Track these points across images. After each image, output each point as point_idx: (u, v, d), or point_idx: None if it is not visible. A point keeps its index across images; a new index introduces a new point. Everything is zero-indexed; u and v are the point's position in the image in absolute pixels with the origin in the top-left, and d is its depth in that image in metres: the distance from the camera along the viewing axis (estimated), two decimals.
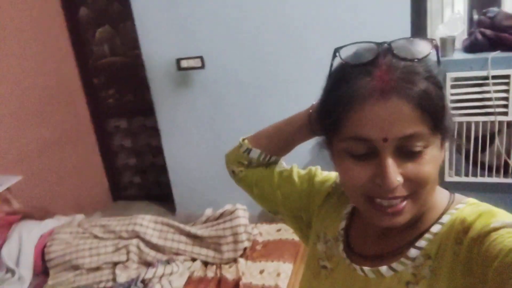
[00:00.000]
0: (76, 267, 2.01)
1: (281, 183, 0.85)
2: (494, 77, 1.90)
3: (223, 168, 0.94)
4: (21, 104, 2.96)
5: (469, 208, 0.58)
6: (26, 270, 2.04)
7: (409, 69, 0.53)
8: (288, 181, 0.84)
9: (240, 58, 2.71)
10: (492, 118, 1.94)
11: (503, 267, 0.46)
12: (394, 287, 0.60)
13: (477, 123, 1.98)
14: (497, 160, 2.02)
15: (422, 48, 0.56)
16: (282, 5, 2.49)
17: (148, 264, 1.98)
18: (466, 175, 2.08)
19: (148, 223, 2.08)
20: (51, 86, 3.22)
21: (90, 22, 3.33)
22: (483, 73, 1.91)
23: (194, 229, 2.03)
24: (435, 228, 0.59)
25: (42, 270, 2.09)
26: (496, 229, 0.50)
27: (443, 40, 2.07)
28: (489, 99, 1.92)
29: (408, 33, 2.29)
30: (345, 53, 0.59)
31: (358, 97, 0.54)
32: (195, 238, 2.02)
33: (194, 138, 3.06)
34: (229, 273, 1.90)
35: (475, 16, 2.15)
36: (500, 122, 1.97)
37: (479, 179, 2.07)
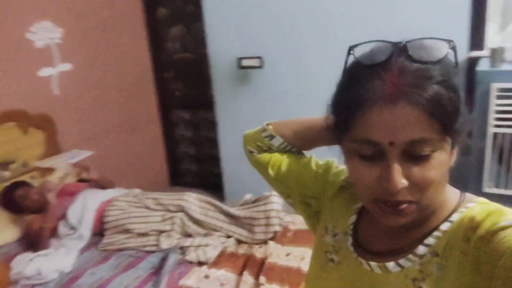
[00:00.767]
0: (127, 231, 2.28)
1: (298, 167, 0.85)
2: None
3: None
4: (101, 89, 3.36)
5: (479, 207, 0.58)
6: (86, 229, 2.36)
7: (421, 73, 0.53)
8: (305, 167, 0.85)
9: (297, 60, 2.86)
10: None
11: (509, 264, 0.47)
12: (400, 283, 0.60)
13: None
14: None
15: (439, 49, 0.55)
16: (341, 9, 2.60)
17: (188, 236, 2.20)
18: (506, 187, 2.05)
19: (193, 199, 2.30)
20: (127, 76, 3.62)
21: (166, 21, 3.68)
22: None
23: (231, 210, 2.22)
24: (444, 226, 0.59)
25: (99, 231, 2.40)
26: (504, 228, 0.50)
27: (494, 51, 2.07)
28: None
29: (465, 40, 2.31)
30: (361, 51, 0.59)
31: (367, 100, 0.54)
32: (232, 218, 2.21)
33: None
34: (258, 252, 2.05)
35: None
36: None
37: None
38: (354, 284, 0.67)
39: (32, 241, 2.30)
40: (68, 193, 2.58)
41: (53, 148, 2.99)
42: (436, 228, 0.60)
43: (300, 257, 1.94)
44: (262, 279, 1.83)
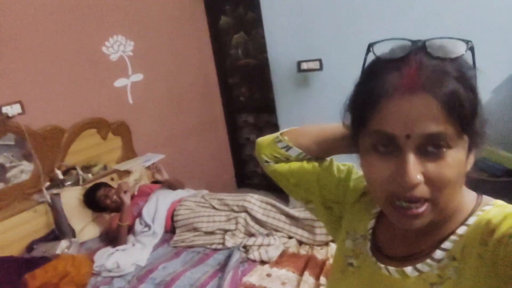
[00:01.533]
0: (195, 229, 2.44)
1: (320, 172, 0.84)
2: None
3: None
4: (169, 96, 3.59)
5: (495, 210, 0.57)
6: (159, 227, 2.55)
7: (439, 68, 0.53)
8: (327, 171, 0.84)
9: (356, 60, 2.83)
10: None
11: None
12: None
13: None
14: None
15: (457, 48, 0.55)
16: (401, 9, 2.56)
17: (251, 235, 2.29)
18: None
19: (255, 201, 2.40)
20: (194, 83, 3.82)
21: (228, 29, 3.84)
22: None
23: (292, 211, 2.28)
24: (461, 230, 0.58)
25: (171, 228, 2.59)
26: None
27: None
28: None
29: None
30: (380, 50, 0.59)
31: (385, 92, 0.54)
32: (293, 219, 2.27)
33: None
34: (319, 253, 2.09)
35: None
36: None
37: None
38: (371, 287, 0.67)
39: (112, 238, 2.53)
40: (143, 194, 2.80)
41: (129, 152, 3.26)
42: (453, 232, 0.59)
43: None
44: (322, 279, 1.87)
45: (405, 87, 0.52)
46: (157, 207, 2.60)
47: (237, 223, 2.34)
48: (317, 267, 1.98)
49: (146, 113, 3.42)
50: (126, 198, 2.50)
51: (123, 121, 3.21)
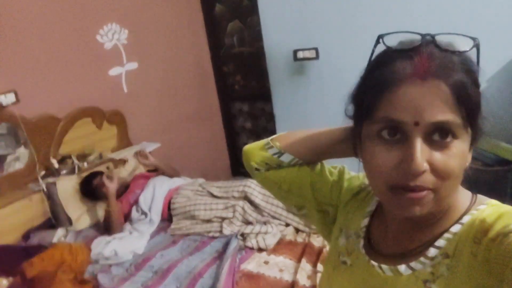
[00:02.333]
0: (193, 217, 2.45)
1: (313, 177, 0.83)
2: None
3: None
4: (164, 85, 3.57)
5: (490, 209, 0.58)
6: (156, 215, 2.57)
7: (448, 59, 0.54)
8: (320, 175, 0.84)
9: (353, 49, 2.84)
10: None
11: None
12: (412, 286, 0.59)
13: None
14: None
15: (464, 44, 0.56)
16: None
17: (248, 223, 2.32)
18: None
19: (255, 186, 2.41)
20: (189, 71, 3.80)
21: (223, 17, 3.81)
22: None
23: None
24: (455, 228, 0.59)
25: (168, 216, 2.60)
26: None
27: None
28: None
29: None
30: (389, 42, 0.59)
31: (396, 79, 0.54)
32: None
33: (306, 125, 3.29)
34: (316, 241, 2.12)
35: None
36: None
37: None
38: (365, 286, 0.67)
39: (107, 225, 2.54)
40: (140, 181, 2.81)
41: (124, 141, 3.25)
42: (446, 230, 0.59)
43: None
44: (319, 267, 1.90)
45: (417, 74, 0.53)
46: (154, 195, 2.61)
47: (234, 211, 2.35)
48: (314, 254, 2.01)
49: (141, 102, 3.40)
50: (109, 183, 2.51)
51: (118, 110, 3.19)
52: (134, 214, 2.61)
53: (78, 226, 2.67)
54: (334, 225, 0.82)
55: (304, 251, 2.06)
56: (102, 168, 2.92)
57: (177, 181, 2.79)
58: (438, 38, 0.56)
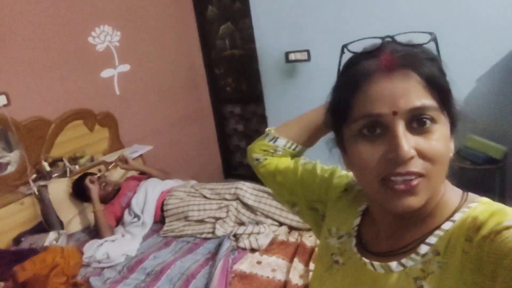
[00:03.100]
0: (186, 219, 2.45)
1: (304, 173, 0.86)
2: None
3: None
4: (156, 87, 3.58)
5: (481, 207, 0.57)
6: (148, 218, 2.56)
7: (410, 51, 0.57)
8: (311, 172, 0.86)
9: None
10: None
11: None
12: (402, 282, 0.59)
13: None
14: None
15: (422, 38, 0.59)
16: (387, 1, 2.60)
17: (241, 224, 2.32)
18: None
19: (247, 188, 2.42)
20: (181, 74, 3.80)
21: (215, 19, 3.82)
22: None
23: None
24: (446, 225, 0.59)
25: (160, 218, 2.60)
26: (508, 228, 0.50)
27: None
28: None
29: None
30: (355, 49, 0.62)
31: (364, 76, 0.56)
32: None
33: None
34: (308, 240, 2.13)
35: None
36: None
37: None
38: (356, 284, 0.68)
39: (96, 228, 2.54)
40: (132, 184, 2.80)
41: (116, 143, 3.24)
42: (437, 227, 0.59)
43: None
44: (311, 266, 1.91)
45: (383, 67, 0.55)
46: (146, 197, 2.61)
47: (227, 211, 2.36)
48: (306, 254, 2.02)
49: (133, 104, 3.40)
50: (91, 185, 2.54)
51: (109, 112, 3.19)
52: (127, 217, 2.60)
53: (70, 229, 2.66)
54: (323, 223, 0.83)
55: (296, 251, 2.07)
56: (94, 170, 2.91)
57: (169, 183, 2.79)
58: (398, 38, 0.58)
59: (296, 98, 3.22)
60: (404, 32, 0.60)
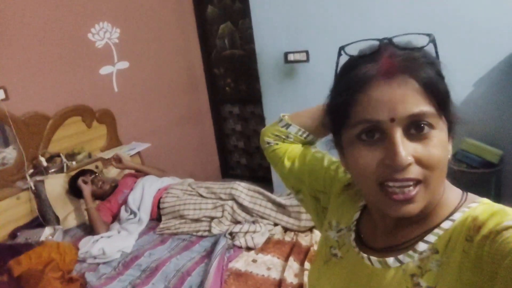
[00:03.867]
0: (182, 217, 2.45)
1: (312, 161, 0.87)
2: None
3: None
4: (155, 85, 3.58)
5: (482, 207, 0.57)
6: (145, 215, 2.56)
7: (410, 55, 0.56)
8: (319, 161, 0.87)
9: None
10: None
11: None
12: (399, 278, 0.60)
13: None
14: None
15: (420, 41, 0.58)
16: (387, 1, 2.61)
17: (237, 222, 2.33)
18: None
19: (242, 188, 2.43)
20: (180, 73, 3.81)
21: (215, 19, 3.83)
22: None
23: (279, 198, 2.32)
24: (446, 225, 0.59)
25: (157, 216, 2.60)
26: (508, 228, 0.49)
27: None
28: None
29: None
30: (350, 51, 0.61)
31: (364, 81, 0.56)
32: (279, 206, 2.31)
33: None
34: (303, 240, 2.14)
35: None
36: None
37: None
38: (353, 278, 0.68)
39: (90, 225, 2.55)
40: (129, 181, 2.81)
41: (114, 140, 3.24)
42: (437, 226, 0.59)
43: None
44: (307, 265, 1.92)
45: (382, 73, 0.55)
46: (143, 194, 2.61)
47: (223, 210, 2.36)
48: (301, 253, 2.03)
49: (132, 102, 3.40)
50: (83, 185, 2.58)
51: (108, 109, 3.19)
52: (123, 213, 2.60)
53: (66, 225, 2.66)
54: (324, 215, 0.84)
55: (291, 250, 2.07)
56: (91, 167, 2.91)
57: (166, 181, 2.80)
58: (396, 40, 0.58)
59: (294, 99, 3.22)
60: (402, 34, 0.60)
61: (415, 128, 0.54)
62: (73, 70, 2.95)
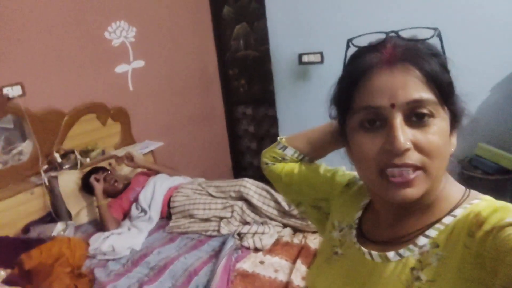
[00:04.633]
0: (191, 216, 2.46)
1: (308, 173, 0.91)
2: None
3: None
4: (169, 85, 3.60)
5: (484, 203, 0.58)
6: (155, 213, 2.58)
7: (413, 46, 0.58)
8: (314, 171, 0.90)
9: None
10: None
11: None
12: (399, 272, 0.60)
13: None
14: None
15: (425, 33, 0.60)
16: (400, 2, 2.58)
17: (246, 223, 2.32)
18: None
19: (251, 185, 2.42)
20: (195, 73, 3.82)
21: (231, 19, 3.83)
22: None
23: (283, 203, 2.29)
24: (447, 220, 0.59)
25: (167, 214, 2.61)
26: (511, 224, 0.50)
27: None
28: None
29: None
30: (358, 43, 0.64)
31: (366, 68, 0.58)
32: (286, 210, 2.29)
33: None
34: (312, 243, 2.12)
35: None
36: None
37: None
38: (353, 273, 0.69)
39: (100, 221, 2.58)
40: (141, 179, 2.83)
41: (128, 138, 3.27)
42: (438, 221, 0.60)
43: None
44: None
45: (385, 61, 0.57)
46: (154, 193, 2.62)
47: (232, 211, 2.36)
48: (309, 256, 2.01)
49: (146, 100, 3.43)
50: (94, 183, 2.61)
51: (122, 107, 3.22)
52: (134, 211, 2.62)
53: (77, 221, 2.69)
54: (327, 221, 0.85)
55: (300, 253, 2.06)
56: (104, 164, 2.94)
57: (177, 180, 2.81)
58: (401, 32, 0.60)
59: (308, 101, 3.21)
60: (409, 28, 0.61)
61: (416, 115, 0.55)
62: (89, 68, 2.99)
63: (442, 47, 0.60)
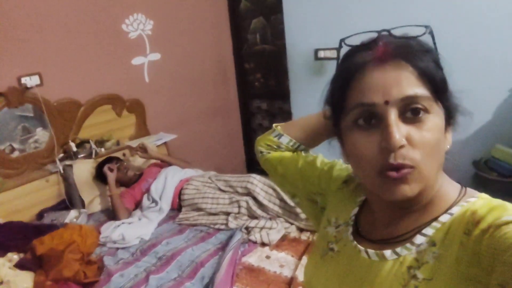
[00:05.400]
0: (200, 209, 2.48)
1: (304, 165, 0.88)
2: None
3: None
4: (185, 77, 3.62)
5: (481, 202, 0.58)
6: (166, 204, 2.61)
7: (405, 43, 0.58)
8: (311, 164, 0.88)
9: None
10: None
11: None
12: (396, 270, 0.60)
13: None
14: None
15: (417, 31, 0.60)
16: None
17: (254, 217, 2.32)
18: None
19: (257, 182, 2.41)
20: (211, 66, 3.83)
21: (248, 13, 3.82)
22: None
23: (289, 201, 2.27)
24: (444, 218, 0.59)
25: (177, 206, 2.64)
26: (508, 223, 0.50)
27: None
28: None
29: None
30: (351, 43, 0.65)
31: (358, 66, 0.58)
32: (291, 207, 2.27)
33: None
34: None
35: None
36: None
37: None
38: (349, 271, 0.68)
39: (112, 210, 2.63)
40: (153, 170, 2.86)
41: (142, 130, 3.31)
42: (434, 219, 0.60)
43: None
44: None
45: (377, 58, 0.57)
46: (165, 184, 2.65)
47: (239, 206, 2.36)
48: None
49: (162, 93, 3.45)
50: (108, 172, 2.65)
51: (138, 99, 3.25)
52: (145, 201, 2.65)
53: (90, 209, 2.74)
54: (322, 215, 0.84)
55: (306, 249, 2.05)
56: (118, 154, 2.99)
57: (188, 172, 2.83)
58: (393, 31, 0.60)
59: (322, 96, 3.17)
60: (404, 26, 0.62)
61: (411, 111, 0.55)
62: (106, 60, 3.03)
63: (434, 44, 0.60)
